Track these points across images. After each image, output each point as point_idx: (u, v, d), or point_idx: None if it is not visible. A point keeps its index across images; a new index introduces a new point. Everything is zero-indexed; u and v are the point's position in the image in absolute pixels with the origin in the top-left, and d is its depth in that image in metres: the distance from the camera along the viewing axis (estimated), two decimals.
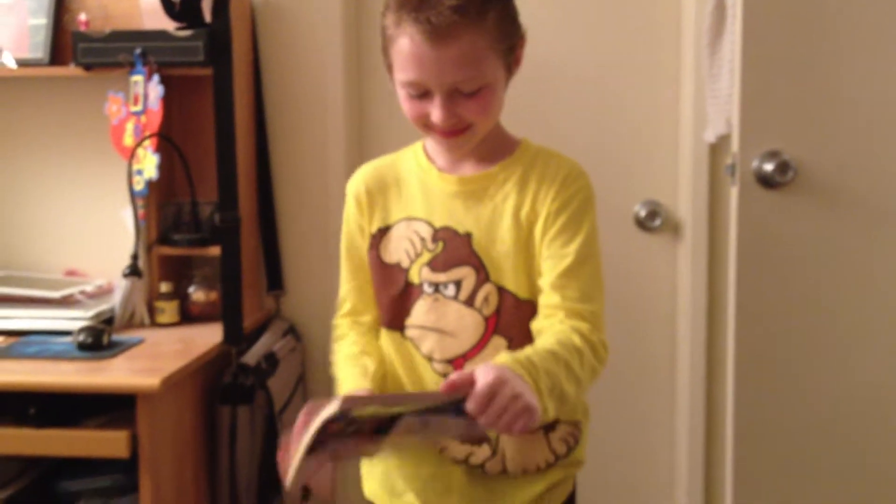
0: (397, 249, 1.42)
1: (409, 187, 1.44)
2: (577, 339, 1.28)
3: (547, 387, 1.19)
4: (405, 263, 1.41)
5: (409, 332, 1.42)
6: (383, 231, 1.44)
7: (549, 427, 1.42)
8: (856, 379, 1.91)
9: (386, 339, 1.45)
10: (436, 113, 1.30)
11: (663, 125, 2.35)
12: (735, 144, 1.86)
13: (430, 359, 1.40)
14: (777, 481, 1.94)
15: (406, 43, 1.28)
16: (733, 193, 1.88)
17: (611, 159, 2.37)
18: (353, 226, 1.48)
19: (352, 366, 1.41)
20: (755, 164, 1.85)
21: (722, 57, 2.11)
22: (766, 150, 1.84)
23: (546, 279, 1.35)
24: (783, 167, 1.83)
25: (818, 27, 1.84)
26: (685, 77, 2.31)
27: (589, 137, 2.36)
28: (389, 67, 1.36)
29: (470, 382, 1.13)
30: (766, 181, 1.85)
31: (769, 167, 1.84)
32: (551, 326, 1.31)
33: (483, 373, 1.13)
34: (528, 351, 1.22)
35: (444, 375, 1.38)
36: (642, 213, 2.36)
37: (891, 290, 1.89)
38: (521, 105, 2.20)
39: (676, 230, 2.37)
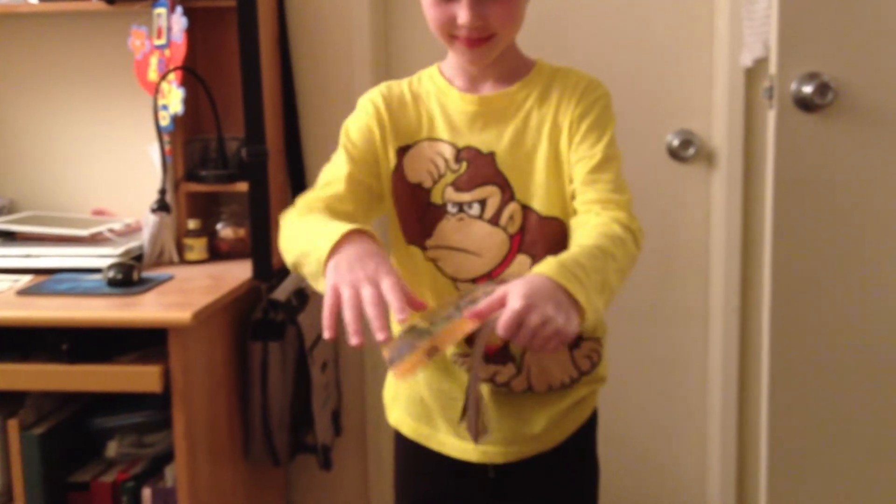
0: (418, 170, 1.40)
1: (428, 108, 1.42)
2: (618, 229, 1.29)
3: (597, 285, 1.18)
4: (427, 184, 1.40)
5: (431, 253, 1.41)
6: (404, 150, 1.41)
7: (574, 344, 1.43)
8: None
9: (407, 255, 1.42)
10: (463, 14, 1.29)
11: (697, 50, 2.29)
12: (773, 66, 1.81)
13: (454, 279, 1.40)
14: (812, 416, 1.92)
15: None
16: (771, 117, 1.83)
17: (642, 87, 2.31)
18: (371, 125, 1.41)
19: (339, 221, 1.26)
20: (794, 86, 1.80)
21: None
22: (805, 72, 1.79)
23: (577, 178, 1.36)
24: (822, 89, 1.78)
25: None
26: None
27: (618, 65, 2.31)
28: None
29: (501, 304, 1.12)
30: (804, 104, 1.80)
31: (808, 89, 1.79)
32: (588, 220, 1.31)
33: (514, 296, 1.11)
34: (575, 251, 1.22)
35: None
36: (675, 143, 2.31)
37: None
38: (547, 32, 2.17)
39: (710, 160, 2.32)
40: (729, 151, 2.25)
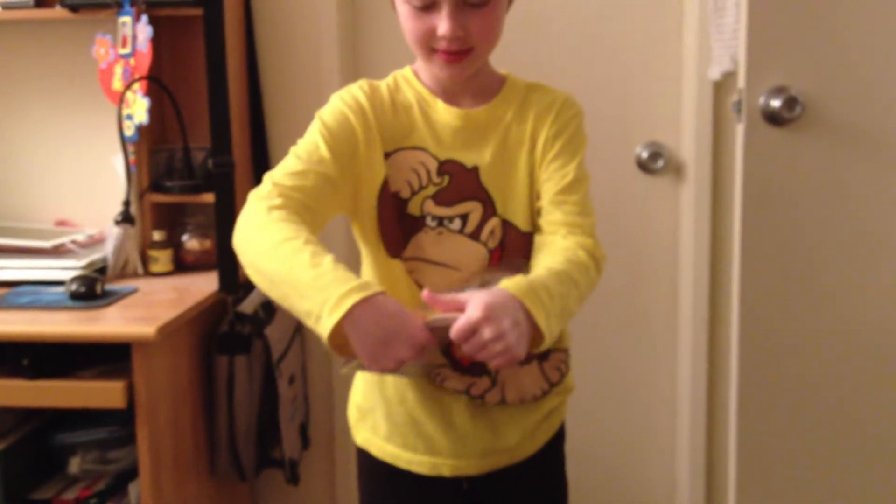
0: (397, 179, 1.37)
1: (409, 115, 1.39)
2: (583, 255, 1.32)
3: (558, 310, 1.22)
4: (405, 194, 1.37)
5: (408, 265, 1.39)
6: (387, 156, 1.38)
7: (543, 356, 1.44)
8: (866, 319, 1.89)
9: (387, 269, 1.40)
10: (444, 25, 1.28)
11: (666, 62, 2.30)
12: (741, 80, 1.81)
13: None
14: (781, 427, 1.92)
15: None
16: (739, 131, 1.84)
17: (611, 100, 2.31)
18: (354, 123, 1.35)
19: (334, 263, 1.19)
20: (762, 100, 1.80)
21: None
22: (773, 86, 1.80)
23: (546, 197, 1.37)
24: (790, 103, 1.79)
25: None
26: (688, 12, 2.24)
27: (588, 77, 2.30)
28: None
29: (460, 308, 1.16)
30: (772, 118, 1.81)
31: (776, 103, 1.79)
32: (555, 242, 1.33)
33: (474, 305, 1.15)
34: (544, 274, 1.24)
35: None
36: (644, 155, 2.32)
37: None
38: (517, 43, 2.16)
39: (679, 172, 2.33)
40: (697, 164, 2.26)
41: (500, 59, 1.43)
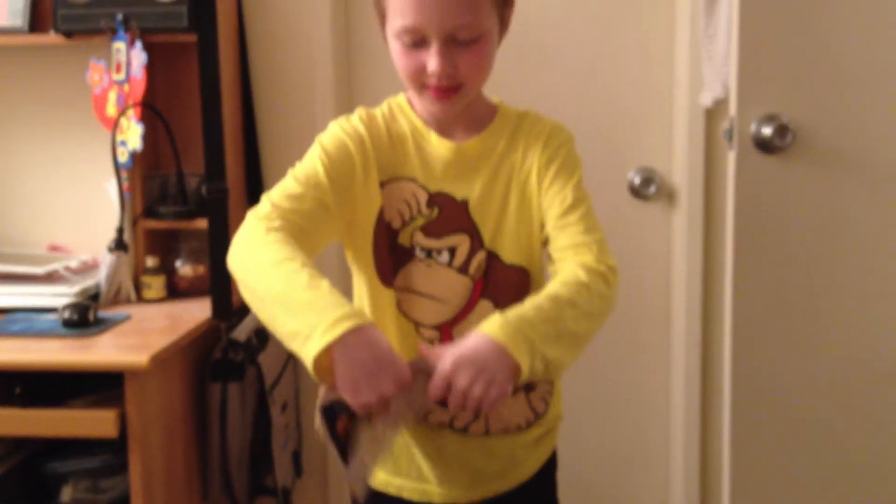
0: (389, 209, 1.38)
1: (404, 146, 1.40)
2: (581, 274, 1.29)
3: (549, 336, 1.20)
4: (396, 224, 1.38)
5: (398, 295, 1.40)
6: (382, 185, 1.39)
7: (529, 387, 1.44)
8: (857, 346, 1.89)
9: (378, 297, 1.40)
10: (433, 62, 1.28)
11: (657, 89, 2.31)
12: (732, 108, 1.82)
13: (417, 323, 1.40)
14: (773, 450, 1.92)
15: None
16: (731, 158, 1.84)
17: (603, 125, 2.32)
18: (352, 151, 1.36)
19: (331, 288, 1.19)
20: (753, 127, 1.81)
21: (719, 17, 2.07)
22: (764, 114, 1.81)
23: (549, 223, 1.37)
24: (782, 131, 1.80)
25: None
26: (680, 39, 2.26)
27: (580, 103, 2.32)
28: (382, 18, 1.34)
29: (434, 363, 1.17)
30: (764, 146, 1.81)
31: (767, 131, 1.80)
32: (560, 271, 1.32)
33: (445, 358, 1.16)
34: (524, 305, 1.22)
35: (430, 341, 1.40)
36: (636, 181, 2.32)
37: (893, 257, 1.86)
38: (508, 69, 2.17)
39: (671, 198, 2.33)
40: (689, 190, 2.26)
41: (493, 85, 1.43)
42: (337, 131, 1.39)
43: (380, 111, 1.43)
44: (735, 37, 1.80)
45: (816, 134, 1.82)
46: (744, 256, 1.87)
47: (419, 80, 1.32)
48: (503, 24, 1.36)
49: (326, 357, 1.14)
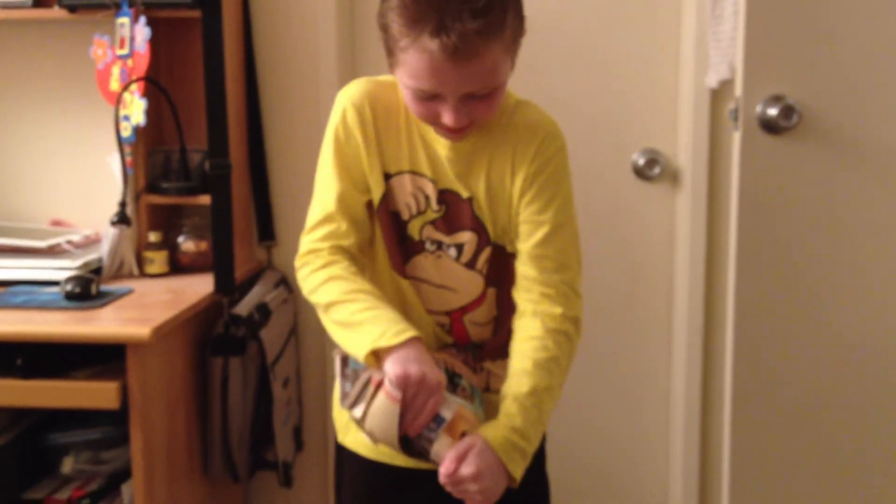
0: (397, 201, 1.39)
1: (410, 137, 1.38)
2: (551, 346, 1.32)
3: (538, 433, 1.31)
4: (404, 216, 1.39)
5: (409, 281, 1.42)
6: (389, 177, 1.39)
7: None
8: (859, 328, 1.89)
9: (390, 280, 1.42)
10: (448, 116, 1.27)
11: (663, 70, 2.30)
12: (738, 88, 1.82)
13: (429, 311, 1.43)
14: (775, 430, 1.93)
15: (424, 58, 1.22)
16: (736, 139, 1.84)
17: (608, 107, 2.32)
18: (357, 136, 1.37)
19: (386, 304, 1.31)
20: (759, 108, 1.81)
21: None
22: (770, 95, 1.80)
23: (523, 247, 1.37)
24: (787, 112, 1.79)
25: None
26: (686, 20, 2.25)
27: (586, 83, 2.31)
28: (390, 55, 1.30)
29: (461, 457, 1.23)
30: (769, 126, 1.81)
31: (773, 112, 1.80)
32: (524, 328, 1.35)
33: (468, 462, 1.23)
34: (515, 415, 1.28)
35: (441, 325, 1.44)
36: (641, 162, 2.32)
37: None
38: None
39: (675, 179, 2.33)
40: (694, 171, 2.26)
41: None
42: (342, 118, 1.38)
43: (385, 88, 1.40)
44: (742, 18, 1.79)
45: (822, 115, 1.82)
46: (747, 237, 1.86)
47: (432, 121, 1.31)
48: (514, 62, 1.33)
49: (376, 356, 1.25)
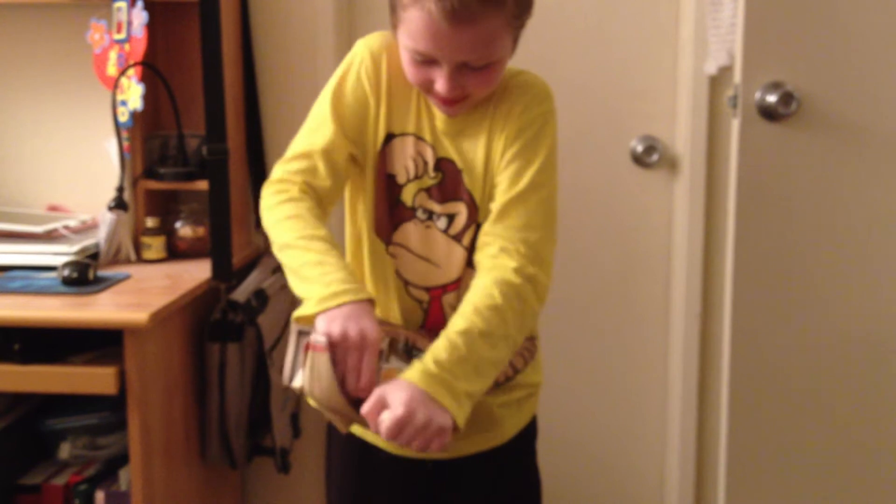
0: (396, 163, 1.38)
1: (419, 102, 1.39)
2: (496, 295, 1.26)
3: (467, 374, 1.21)
4: (400, 179, 1.39)
5: (392, 249, 1.41)
6: (389, 137, 1.39)
7: None
8: (858, 315, 1.89)
9: (370, 245, 1.41)
10: (441, 83, 1.28)
11: (662, 56, 2.29)
12: (737, 75, 1.82)
13: (406, 282, 1.41)
14: (772, 421, 1.93)
15: (423, 17, 1.23)
16: (734, 126, 1.84)
17: (607, 93, 2.31)
18: (368, 90, 1.37)
19: (337, 258, 1.28)
20: (758, 95, 1.81)
21: None
22: (769, 81, 1.80)
23: (496, 204, 1.34)
24: (786, 99, 1.79)
25: None
26: (685, 6, 2.24)
27: (584, 70, 2.30)
28: (395, 17, 1.31)
29: (381, 406, 1.18)
30: (768, 113, 1.81)
31: (772, 99, 1.79)
32: (476, 283, 1.30)
33: (394, 404, 1.17)
34: (440, 349, 1.22)
35: (419, 301, 1.41)
36: (639, 149, 2.32)
37: None
38: None
39: (674, 166, 2.33)
40: (692, 158, 2.25)
41: None
42: (355, 69, 1.38)
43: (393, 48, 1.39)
44: (741, 4, 1.79)
45: (821, 102, 1.82)
46: (745, 224, 1.86)
47: (425, 88, 1.32)
48: (515, 42, 1.33)
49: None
